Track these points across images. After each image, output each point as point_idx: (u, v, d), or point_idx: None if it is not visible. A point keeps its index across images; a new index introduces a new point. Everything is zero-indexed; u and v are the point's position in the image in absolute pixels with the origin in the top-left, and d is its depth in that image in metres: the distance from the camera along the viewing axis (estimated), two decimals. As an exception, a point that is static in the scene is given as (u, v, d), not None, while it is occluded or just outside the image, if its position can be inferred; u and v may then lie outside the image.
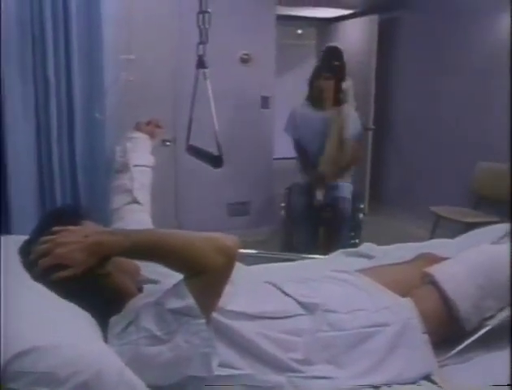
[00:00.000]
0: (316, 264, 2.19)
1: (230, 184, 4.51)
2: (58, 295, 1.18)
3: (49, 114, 2.05)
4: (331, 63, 3.90)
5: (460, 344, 1.46)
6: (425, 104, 4.94)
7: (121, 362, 1.07)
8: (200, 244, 1.19)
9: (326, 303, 1.40)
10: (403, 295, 1.53)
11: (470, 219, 3.75)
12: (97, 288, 1.23)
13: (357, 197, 4.04)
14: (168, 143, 3.85)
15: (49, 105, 2.04)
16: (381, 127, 5.49)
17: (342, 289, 1.52)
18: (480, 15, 4.20)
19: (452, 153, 4.59)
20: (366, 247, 2.17)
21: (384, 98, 5.45)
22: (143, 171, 1.93)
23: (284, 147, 4.32)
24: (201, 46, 2.14)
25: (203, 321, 1.15)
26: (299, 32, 7.75)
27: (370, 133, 5.45)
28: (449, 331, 1.51)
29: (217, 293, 1.23)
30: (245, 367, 1.24)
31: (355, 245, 3.68)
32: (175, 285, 1.19)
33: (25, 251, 1.25)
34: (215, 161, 2.08)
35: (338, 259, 2.14)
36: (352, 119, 3.84)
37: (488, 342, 1.49)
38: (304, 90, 4.06)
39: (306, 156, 4.00)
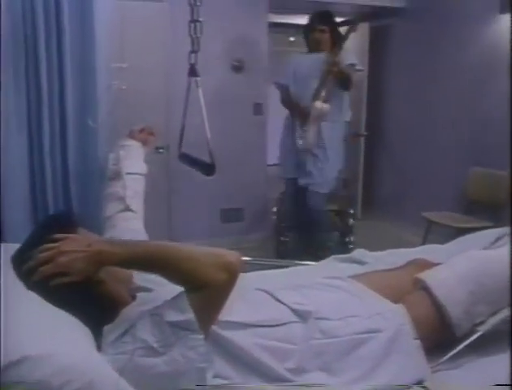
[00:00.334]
0: (309, 270, 2.20)
1: (223, 191, 4.52)
2: (52, 303, 1.18)
3: (41, 122, 2.05)
4: (323, 14, 3.88)
5: (452, 350, 1.47)
6: (417, 110, 4.97)
7: (115, 373, 1.07)
8: (203, 259, 1.19)
9: (319, 310, 1.40)
10: (395, 301, 1.54)
11: (461, 225, 3.77)
12: (90, 296, 1.23)
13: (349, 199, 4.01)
14: (161, 150, 3.87)
15: (41, 113, 2.04)
16: (373, 133, 5.52)
17: (335, 296, 1.53)
18: (471, 20, 4.23)
19: (443, 159, 4.62)
20: (358, 253, 2.19)
21: (376, 104, 5.49)
22: (136, 179, 1.94)
23: (278, 153, 4.33)
24: (192, 55, 2.15)
25: (201, 336, 1.15)
26: (291, 39, 7.78)
27: (362, 139, 5.50)
28: (440, 336, 1.51)
29: (217, 308, 1.24)
30: (234, 376, 1.24)
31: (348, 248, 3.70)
32: (175, 298, 1.19)
33: (19, 259, 1.24)
34: (207, 169, 2.09)
35: (331, 265, 2.15)
36: (346, 54, 3.75)
37: (479, 347, 1.50)
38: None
39: (290, 96, 3.94)
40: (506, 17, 3.81)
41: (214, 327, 1.24)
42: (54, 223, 1.34)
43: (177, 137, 2.43)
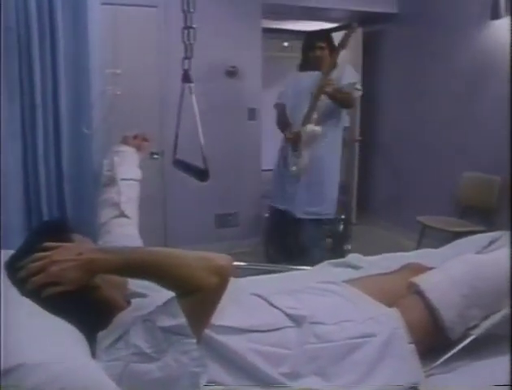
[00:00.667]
0: (303, 275, 2.19)
1: (218, 196, 4.52)
2: (47, 310, 1.17)
3: (35, 128, 2.05)
4: (320, 32, 3.87)
5: (446, 354, 1.48)
6: (411, 114, 5.00)
7: (109, 379, 1.06)
8: (194, 263, 1.19)
9: (313, 315, 1.40)
10: (389, 305, 1.54)
11: (456, 229, 3.79)
12: (86, 302, 1.22)
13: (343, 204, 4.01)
14: (156, 156, 3.86)
15: (35, 119, 2.03)
16: (368, 138, 5.54)
17: (329, 300, 1.53)
18: (463, 26, 4.27)
19: (437, 164, 4.64)
20: (353, 257, 2.19)
21: (370, 109, 5.51)
22: (130, 185, 1.94)
23: (272, 159, 4.34)
24: (186, 61, 2.16)
25: (194, 341, 1.15)
26: (285, 44, 7.82)
27: (357, 144, 5.52)
28: (434, 340, 1.52)
29: (209, 312, 1.23)
30: (228, 381, 1.23)
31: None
32: (167, 303, 1.19)
33: (13, 266, 1.23)
34: (201, 175, 2.09)
35: (325, 270, 2.15)
36: (346, 72, 3.73)
37: (472, 351, 1.50)
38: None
39: (286, 116, 3.90)
40: (497, 23, 3.86)
41: (208, 332, 1.24)
42: (47, 230, 1.34)
43: (172, 143, 2.43)
